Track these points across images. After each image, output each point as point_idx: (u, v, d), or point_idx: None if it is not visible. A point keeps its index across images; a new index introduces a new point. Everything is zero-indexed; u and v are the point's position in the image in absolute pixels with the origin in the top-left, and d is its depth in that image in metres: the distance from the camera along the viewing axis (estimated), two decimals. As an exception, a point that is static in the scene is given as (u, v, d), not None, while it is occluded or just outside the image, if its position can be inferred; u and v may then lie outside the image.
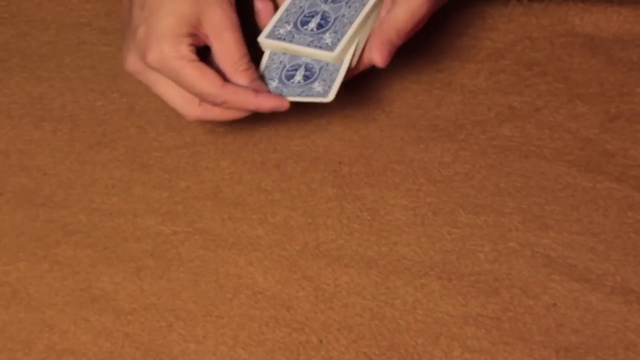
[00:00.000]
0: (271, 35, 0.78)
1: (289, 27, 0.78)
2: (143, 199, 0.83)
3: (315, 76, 0.77)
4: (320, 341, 0.77)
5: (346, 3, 0.78)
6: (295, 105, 0.78)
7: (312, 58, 0.78)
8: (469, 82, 0.87)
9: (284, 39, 0.78)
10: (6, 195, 0.84)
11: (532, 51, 0.88)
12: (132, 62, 0.77)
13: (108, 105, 0.88)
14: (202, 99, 0.75)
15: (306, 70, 0.78)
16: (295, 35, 0.77)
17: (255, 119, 0.86)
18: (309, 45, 0.77)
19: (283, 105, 0.77)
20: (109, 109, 0.88)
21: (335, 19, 0.77)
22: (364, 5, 0.77)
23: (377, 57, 0.76)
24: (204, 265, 0.80)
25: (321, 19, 0.77)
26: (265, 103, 0.76)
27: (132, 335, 0.77)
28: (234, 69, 0.76)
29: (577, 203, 0.81)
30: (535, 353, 0.75)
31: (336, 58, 0.76)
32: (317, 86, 0.77)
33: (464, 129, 0.85)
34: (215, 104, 0.76)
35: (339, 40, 0.76)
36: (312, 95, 0.77)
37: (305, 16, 0.78)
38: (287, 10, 0.78)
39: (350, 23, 0.77)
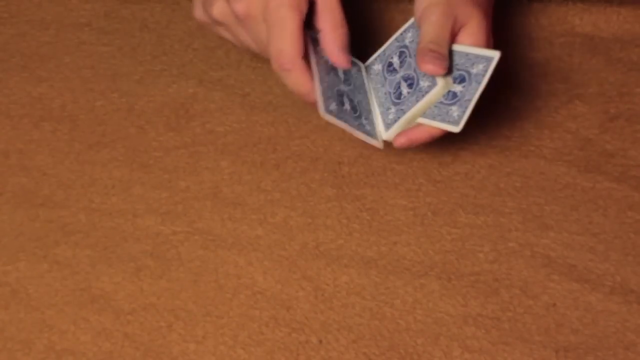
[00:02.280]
0: (389, 125, 0.79)
1: (393, 108, 0.79)
2: (143, 199, 0.83)
3: (417, 80, 0.79)
4: (320, 341, 0.77)
5: (409, 56, 0.80)
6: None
7: (404, 70, 0.79)
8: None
9: (400, 116, 0.79)
10: (6, 195, 0.84)
11: (532, 51, 0.88)
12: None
13: (108, 105, 0.88)
14: (274, 55, 0.75)
15: (406, 80, 0.79)
16: (403, 106, 0.79)
17: (255, 118, 0.86)
18: (418, 100, 0.78)
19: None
20: (109, 109, 0.88)
21: (415, 71, 0.79)
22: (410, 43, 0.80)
23: (429, 66, 0.76)
24: (203, 265, 0.80)
25: (405, 80, 0.79)
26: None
27: (132, 335, 0.77)
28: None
29: (576, 203, 0.81)
30: (535, 353, 0.75)
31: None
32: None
33: (463, 129, 0.85)
34: (281, 67, 0.76)
35: (434, 78, 0.78)
36: (433, 93, 0.78)
37: (393, 93, 0.79)
38: (379, 102, 0.80)
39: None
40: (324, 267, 0.79)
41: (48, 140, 0.87)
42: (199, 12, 0.81)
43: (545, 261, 0.79)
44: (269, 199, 0.83)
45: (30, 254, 0.81)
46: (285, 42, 0.75)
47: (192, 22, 0.92)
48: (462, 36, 0.78)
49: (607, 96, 0.86)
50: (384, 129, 0.79)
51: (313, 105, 0.77)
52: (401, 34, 0.81)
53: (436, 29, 0.77)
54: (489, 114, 0.85)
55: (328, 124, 0.86)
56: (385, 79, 0.80)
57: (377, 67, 0.81)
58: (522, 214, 0.81)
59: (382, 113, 0.80)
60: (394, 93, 0.79)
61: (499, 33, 0.89)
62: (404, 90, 0.79)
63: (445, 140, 0.84)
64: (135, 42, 0.91)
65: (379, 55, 0.82)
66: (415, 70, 0.79)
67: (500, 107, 0.86)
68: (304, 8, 0.75)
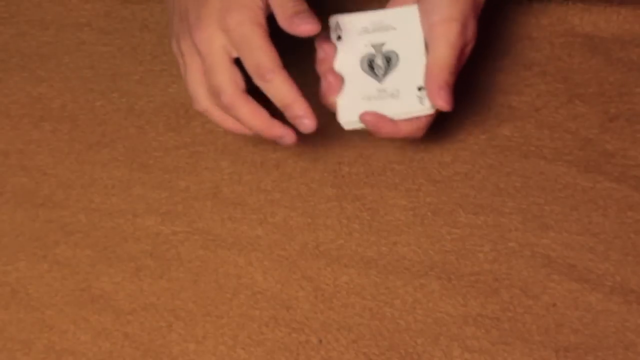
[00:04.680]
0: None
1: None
2: (143, 199, 0.83)
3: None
4: (320, 341, 0.77)
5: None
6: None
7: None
8: (468, 81, 0.87)
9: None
10: (6, 195, 0.84)
11: (532, 51, 0.88)
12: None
13: (107, 105, 0.88)
14: (252, 70, 0.73)
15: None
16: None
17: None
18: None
19: (289, 135, 0.76)
20: (109, 109, 0.88)
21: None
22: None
23: (441, 103, 0.74)
24: (203, 265, 0.80)
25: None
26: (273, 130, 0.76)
27: (132, 335, 0.78)
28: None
29: (576, 203, 0.81)
30: (535, 353, 0.75)
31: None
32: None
33: (463, 129, 0.85)
34: (263, 78, 0.73)
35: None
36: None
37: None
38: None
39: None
40: (324, 267, 0.79)
41: (48, 140, 0.87)
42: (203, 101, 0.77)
43: (545, 261, 0.79)
44: (269, 199, 0.83)
45: (30, 254, 0.81)
46: (260, 53, 0.72)
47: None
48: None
49: (607, 96, 0.86)
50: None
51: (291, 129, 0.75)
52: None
53: (453, 51, 0.74)
54: (489, 114, 0.85)
55: (328, 123, 0.86)
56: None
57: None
58: (522, 214, 0.81)
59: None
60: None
61: (499, 32, 0.89)
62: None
63: (445, 140, 0.85)
64: (135, 42, 0.91)
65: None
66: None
67: (500, 107, 0.86)
68: (263, 21, 0.73)
